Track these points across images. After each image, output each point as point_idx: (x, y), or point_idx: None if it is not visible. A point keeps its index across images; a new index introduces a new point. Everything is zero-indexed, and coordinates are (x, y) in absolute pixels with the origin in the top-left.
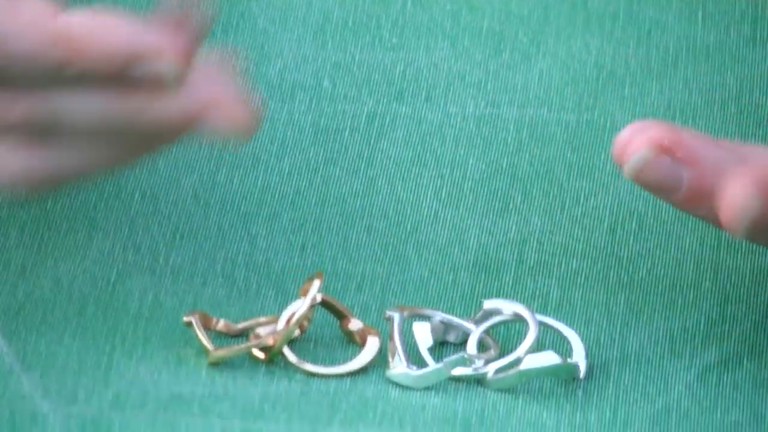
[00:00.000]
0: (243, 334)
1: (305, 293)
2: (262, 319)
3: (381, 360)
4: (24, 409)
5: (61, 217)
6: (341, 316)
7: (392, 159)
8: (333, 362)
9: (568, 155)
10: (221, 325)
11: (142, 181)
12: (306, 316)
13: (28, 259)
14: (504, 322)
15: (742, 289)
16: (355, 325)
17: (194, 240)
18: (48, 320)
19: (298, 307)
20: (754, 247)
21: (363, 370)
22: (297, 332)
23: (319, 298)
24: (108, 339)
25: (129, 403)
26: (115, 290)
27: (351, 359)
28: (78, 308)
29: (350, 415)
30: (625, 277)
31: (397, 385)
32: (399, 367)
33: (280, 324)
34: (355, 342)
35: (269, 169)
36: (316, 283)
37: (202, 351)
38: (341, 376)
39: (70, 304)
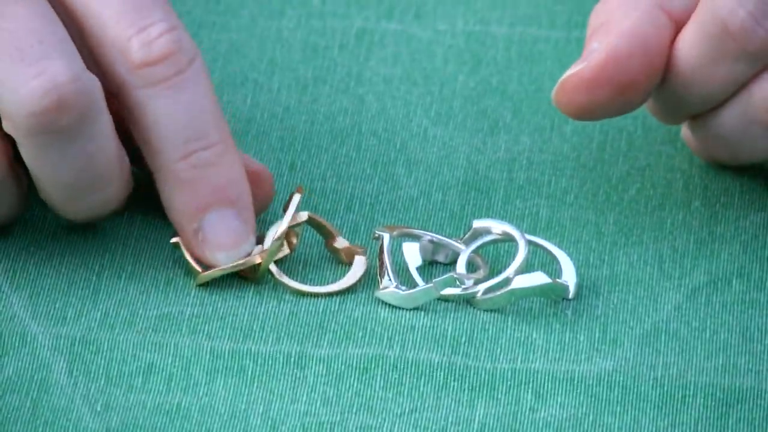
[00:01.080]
0: None
1: (287, 208)
2: None
3: (369, 279)
4: (13, 330)
5: None
6: (327, 235)
7: (381, 76)
8: (321, 281)
9: (558, 73)
10: None
11: None
12: (294, 233)
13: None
14: (493, 242)
15: (731, 210)
16: (341, 243)
17: None
18: (37, 240)
19: (285, 224)
20: (744, 169)
21: (351, 289)
22: (287, 251)
23: (305, 216)
24: (97, 259)
25: (117, 322)
26: None
27: (339, 278)
28: (67, 228)
29: (339, 335)
30: (615, 196)
31: (386, 305)
32: (388, 287)
33: (267, 242)
34: (341, 260)
35: (258, 87)
36: (296, 198)
37: (191, 271)
38: (330, 294)
39: (59, 224)
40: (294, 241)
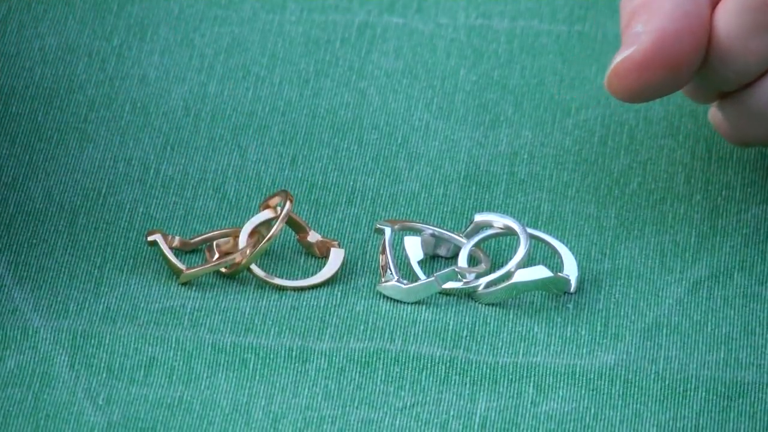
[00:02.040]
0: (198, 249)
1: (266, 207)
2: (217, 233)
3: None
4: (15, 323)
5: (52, 129)
6: (299, 229)
7: (383, 70)
8: (295, 275)
9: (559, 67)
10: (177, 242)
11: (133, 92)
12: (265, 226)
13: (19, 171)
14: (495, 236)
15: (732, 203)
16: (313, 237)
17: (185, 152)
18: (39, 233)
19: (259, 220)
20: (745, 160)
21: (330, 281)
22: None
23: (283, 213)
24: (98, 252)
25: (119, 316)
26: (105, 203)
27: (317, 271)
28: (69, 221)
29: (340, 328)
30: (616, 190)
31: (387, 298)
32: (390, 281)
33: (242, 238)
34: (314, 254)
35: (260, 81)
36: (288, 206)
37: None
38: (312, 287)
39: (61, 217)
40: (265, 234)
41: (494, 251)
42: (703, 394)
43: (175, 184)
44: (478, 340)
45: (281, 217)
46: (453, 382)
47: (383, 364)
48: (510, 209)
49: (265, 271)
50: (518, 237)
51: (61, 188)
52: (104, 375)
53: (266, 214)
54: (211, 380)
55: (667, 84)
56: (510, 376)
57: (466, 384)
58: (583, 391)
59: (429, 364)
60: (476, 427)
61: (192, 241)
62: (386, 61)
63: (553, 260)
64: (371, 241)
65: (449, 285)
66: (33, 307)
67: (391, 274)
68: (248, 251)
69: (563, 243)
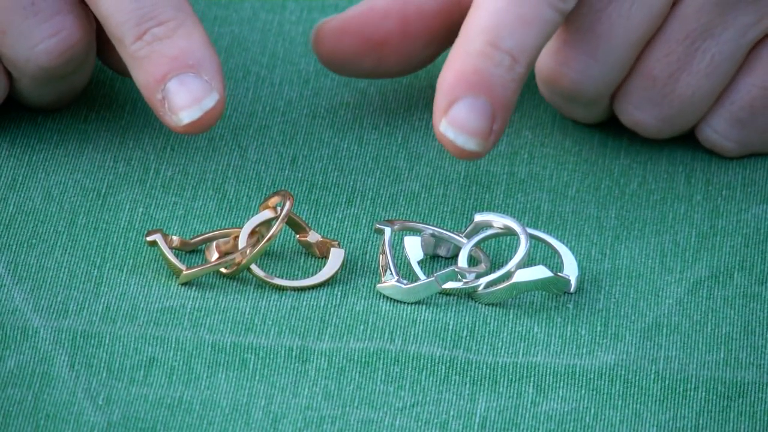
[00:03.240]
0: (198, 249)
1: (266, 207)
2: (217, 233)
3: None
4: (14, 323)
5: (52, 130)
6: (298, 229)
7: None
8: (295, 275)
9: None
10: (176, 242)
11: (134, 93)
12: (264, 226)
13: (19, 171)
14: (495, 236)
15: (732, 203)
16: (313, 237)
17: (185, 152)
18: (38, 233)
19: (259, 220)
20: (746, 160)
21: (330, 281)
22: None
23: (283, 213)
24: (98, 252)
25: (119, 316)
26: (105, 203)
27: (317, 271)
28: (68, 221)
29: (340, 328)
30: (617, 190)
31: (387, 299)
32: (390, 281)
33: (242, 238)
34: (314, 254)
35: (260, 81)
36: (288, 205)
37: (173, 271)
38: (312, 287)
39: (61, 217)
40: (264, 233)
41: (494, 251)
42: (703, 394)
43: (175, 184)
44: (478, 340)
45: (281, 217)
46: (453, 382)
47: (383, 364)
48: (510, 209)
49: (265, 271)
50: (518, 237)
51: (61, 188)
52: (104, 375)
53: (266, 214)
54: (211, 380)
55: (366, 61)
56: (510, 376)
57: (466, 384)
58: (583, 391)
59: (429, 364)
60: (476, 427)
61: (192, 241)
62: None
63: (553, 260)
64: (371, 241)
65: (449, 285)
66: (33, 307)
67: (391, 274)
68: (248, 251)
69: (563, 243)
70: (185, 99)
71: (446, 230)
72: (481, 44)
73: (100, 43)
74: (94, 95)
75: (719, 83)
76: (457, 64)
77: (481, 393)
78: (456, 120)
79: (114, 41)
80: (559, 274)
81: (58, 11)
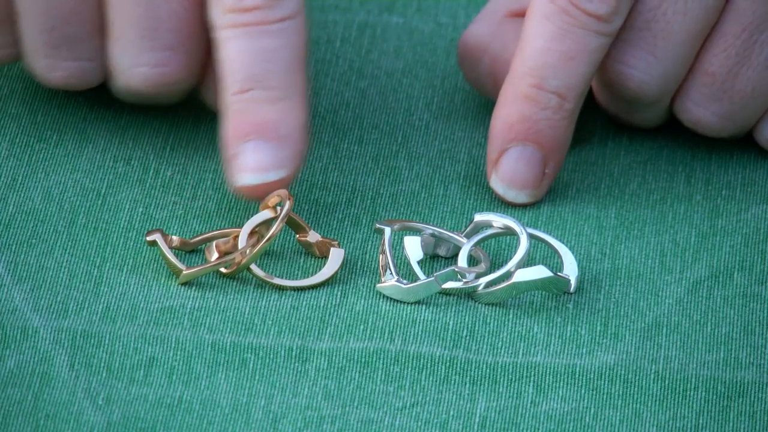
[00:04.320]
0: (198, 249)
1: (266, 207)
2: (217, 233)
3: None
4: (14, 323)
5: (52, 129)
6: (298, 229)
7: (383, 70)
8: (295, 275)
9: None
10: (176, 242)
11: None
12: (264, 226)
13: (19, 170)
14: (495, 236)
15: (732, 203)
16: (313, 237)
17: (184, 152)
18: (38, 233)
19: (259, 220)
20: (746, 160)
21: (330, 281)
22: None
23: (283, 213)
24: (98, 252)
25: (119, 316)
26: (105, 203)
27: (317, 271)
28: (68, 221)
29: (340, 328)
30: (616, 189)
31: (387, 298)
32: (390, 280)
33: (242, 238)
34: (314, 254)
35: None
36: (287, 205)
37: (173, 271)
38: (312, 287)
39: (60, 217)
40: (264, 233)
41: (494, 251)
42: (703, 394)
43: (175, 184)
44: (478, 339)
45: (281, 217)
46: (453, 381)
47: (383, 363)
48: (510, 209)
49: (265, 271)
50: (518, 237)
51: (61, 188)
52: (104, 375)
53: (266, 214)
54: (211, 380)
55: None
56: (510, 376)
57: (466, 384)
58: (583, 391)
59: (429, 364)
60: (476, 427)
61: (192, 241)
62: (386, 61)
63: (553, 260)
64: (371, 241)
65: (449, 285)
66: (32, 307)
67: (391, 273)
68: (248, 251)
69: (563, 243)
70: (253, 163)
71: (446, 230)
72: (526, 87)
73: (207, 77)
74: (94, 95)
75: None
76: (503, 111)
77: (481, 393)
78: (505, 174)
79: (221, 83)
80: (558, 274)
81: (171, 47)
